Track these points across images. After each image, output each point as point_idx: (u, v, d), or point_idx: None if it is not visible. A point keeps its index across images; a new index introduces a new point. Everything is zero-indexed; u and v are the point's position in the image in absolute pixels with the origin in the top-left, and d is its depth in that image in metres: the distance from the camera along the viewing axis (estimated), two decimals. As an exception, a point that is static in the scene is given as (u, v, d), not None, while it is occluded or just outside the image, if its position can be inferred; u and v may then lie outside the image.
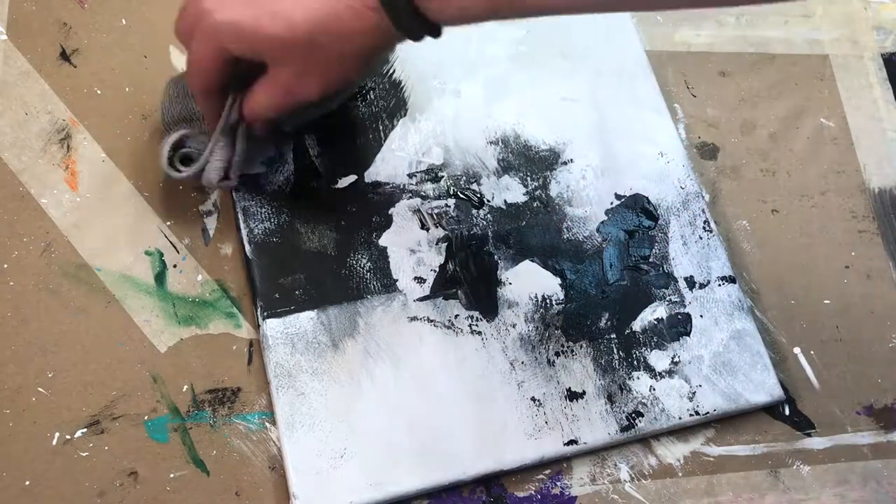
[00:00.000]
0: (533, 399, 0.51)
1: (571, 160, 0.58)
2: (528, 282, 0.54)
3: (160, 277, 0.51)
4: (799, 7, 0.71)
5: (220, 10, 0.42)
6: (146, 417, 0.48)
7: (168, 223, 0.52)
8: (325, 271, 0.52)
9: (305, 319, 0.50)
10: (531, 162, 0.58)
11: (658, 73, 0.63)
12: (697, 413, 0.53)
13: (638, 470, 0.52)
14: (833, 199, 0.63)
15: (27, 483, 0.45)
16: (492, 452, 0.49)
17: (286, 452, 0.47)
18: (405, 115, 0.57)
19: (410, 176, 0.56)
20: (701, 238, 0.58)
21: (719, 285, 0.57)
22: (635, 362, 0.53)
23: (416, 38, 0.42)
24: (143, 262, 0.51)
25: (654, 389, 0.53)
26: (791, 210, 0.62)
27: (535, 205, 0.57)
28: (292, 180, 0.54)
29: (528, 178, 0.57)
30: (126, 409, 0.48)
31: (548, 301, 0.54)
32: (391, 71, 0.58)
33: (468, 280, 0.53)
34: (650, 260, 0.57)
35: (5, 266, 0.49)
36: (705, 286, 0.57)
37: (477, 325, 0.52)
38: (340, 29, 0.41)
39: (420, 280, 0.53)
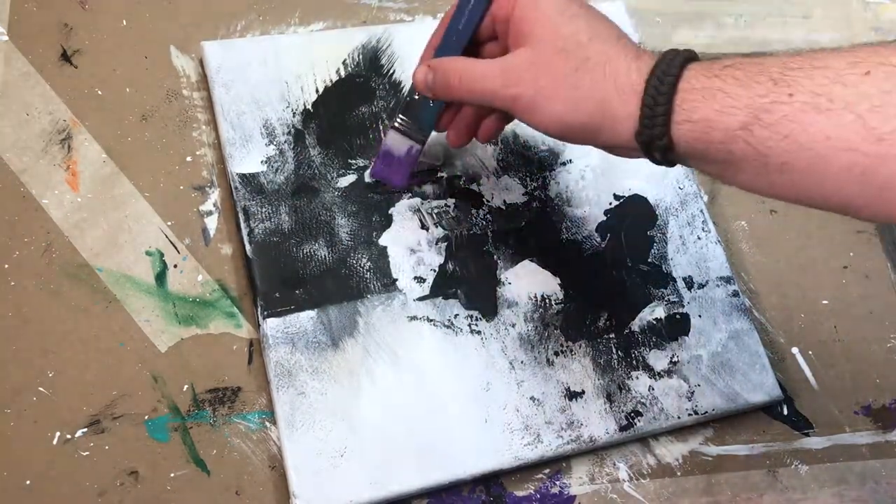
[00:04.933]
0: (532, 398, 0.51)
1: (570, 160, 0.59)
2: (527, 282, 0.54)
3: (161, 277, 0.51)
4: (798, 7, 0.71)
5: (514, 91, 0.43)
6: (147, 417, 0.48)
7: (168, 223, 0.53)
8: (325, 271, 0.52)
9: (306, 319, 0.50)
10: (530, 162, 0.58)
11: (657, 73, 0.63)
12: (696, 413, 0.53)
13: (637, 469, 0.52)
14: (832, 199, 0.63)
15: (27, 482, 0.45)
16: (491, 452, 0.49)
17: (286, 452, 0.47)
18: (405, 115, 0.58)
19: (410, 175, 0.56)
20: (699, 238, 0.58)
21: (717, 285, 0.57)
22: (634, 362, 0.53)
23: (657, 162, 0.44)
24: (144, 262, 0.51)
25: (652, 389, 0.53)
26: (790, 210, 0.62)
27: (534, 205, 0.57)
28: (292, 180, 0.54)
29: (528, 179, 0.58)
30: (126, 408, 0.48)
31: (547, 301, 0.54)
32: (391, 71, 0.58)
33: (468, 280, 0.54)
34: (649, 260, 0.57)
35: (6, 266, 0.49)
36: (704, 286, 0.57)
37: (476, 324, 0.52)
38: (596, 136, 0.43)
39: (420, 279, 0.53)
